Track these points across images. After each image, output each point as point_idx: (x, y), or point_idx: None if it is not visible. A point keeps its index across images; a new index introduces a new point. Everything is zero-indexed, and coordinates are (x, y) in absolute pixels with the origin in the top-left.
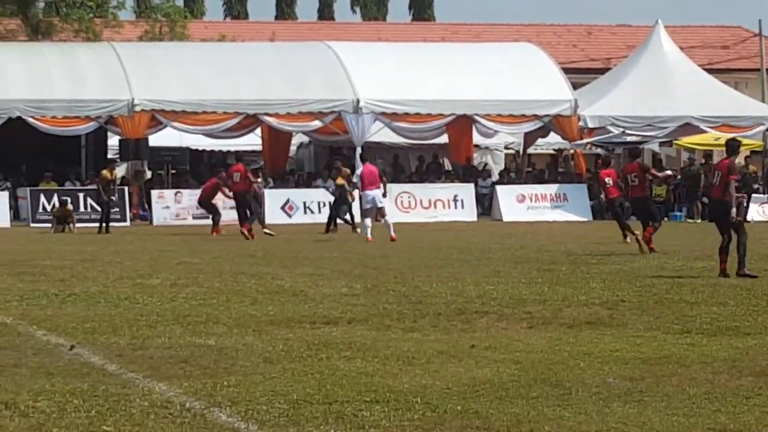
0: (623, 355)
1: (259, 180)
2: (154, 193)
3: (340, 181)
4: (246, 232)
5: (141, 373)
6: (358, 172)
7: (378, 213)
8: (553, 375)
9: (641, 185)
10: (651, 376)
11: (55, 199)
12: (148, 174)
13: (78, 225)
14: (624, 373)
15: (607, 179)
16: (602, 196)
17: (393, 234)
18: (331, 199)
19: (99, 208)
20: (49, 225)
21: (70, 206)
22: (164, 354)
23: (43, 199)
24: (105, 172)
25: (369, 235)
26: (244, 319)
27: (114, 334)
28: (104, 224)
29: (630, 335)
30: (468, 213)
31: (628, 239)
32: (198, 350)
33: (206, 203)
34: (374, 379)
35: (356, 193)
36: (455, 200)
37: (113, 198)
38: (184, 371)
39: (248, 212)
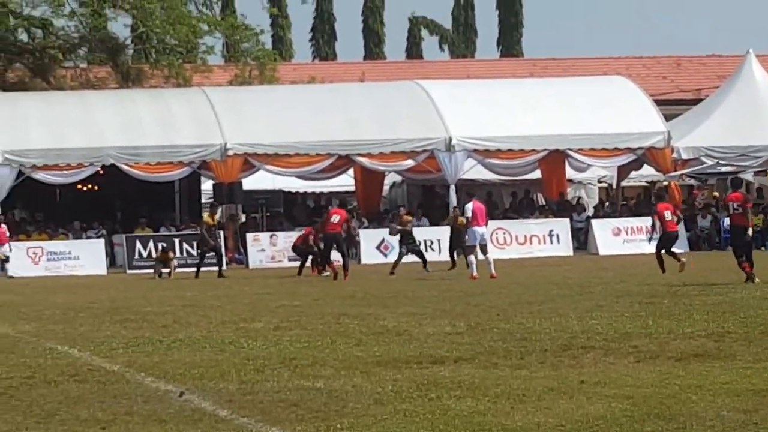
0: (734, 387)
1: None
2: (249, 236)
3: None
4: (331, 271)
5: (253, 418)
6: (469, 207)
7: (480, 250)
8: (665, 409)
9: (744, 214)
10: (765, 407)
11: (151, 245)
12: (243, 217)
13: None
14: (737, 405)
15: (666, 213)
16: (658, 228)
17: (494, 272)
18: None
19: (198, 253)
20: (146, 271)
21: (171, 253)
22: (274, 398)
23: (138, 245)
24: (206, 218)
25: (474, 272)
26: (350, 360)
27: (222, 379)
28: (220, 269)
29: (739, 367)
30: (564, 248)
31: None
32: (307, 393)
33: (300, 250)
34: (486, 418)
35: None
36: (551, 235)
37: (218, 242)
38: (296, 415)
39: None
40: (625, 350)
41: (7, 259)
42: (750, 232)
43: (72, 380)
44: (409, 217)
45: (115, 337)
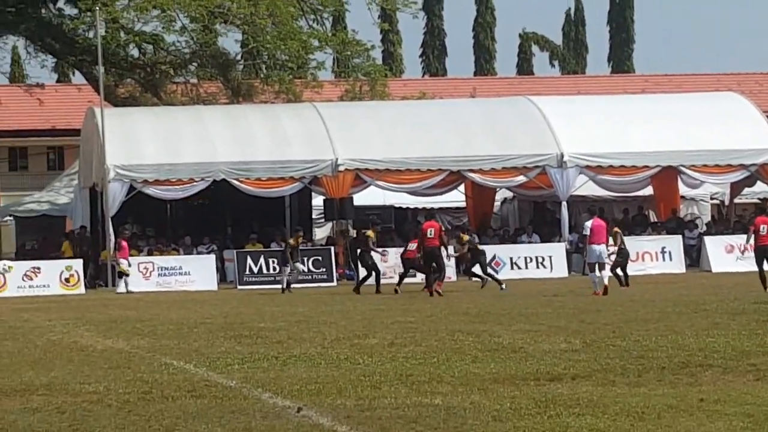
0: None
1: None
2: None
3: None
4: (438, 291)
5: None
6: (588, 224)
7: (599, 267)
8: None
9: None
10: None
11: (262, 260)
12: (353, 233)
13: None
14: None
15: (762, 226)
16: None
17: (598, 290)
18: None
19: (280, 269)
20: (257, 287)
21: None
22: (392, 414)
23: (249, 260)
24: (291, 241)
25: (597, 289)
26: (467, 377)
27: (339, 396)
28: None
29: None
30: (676, 265)
31: None
32: (426, 410)
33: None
34: None
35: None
36: (663, 252)
37: (297, 263)
38: (415, 431)
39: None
40: (743, 368)
41: (127, 274)
42: None
43: (189, 396)
44: (466, 236)
45: (230, 352)
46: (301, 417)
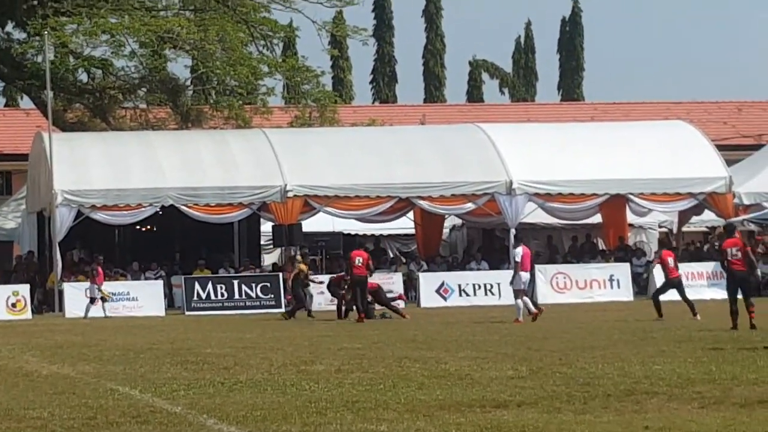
0: None
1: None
2: None
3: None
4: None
5: None
6: (519, 252)
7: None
8: None
9: (743, 260)
10: None
11: (210, 286)
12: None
13: (231, 312)
14: None
15: (669, 259)
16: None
17: (521, 318)
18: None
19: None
20: (205, 313)
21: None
22: None
23: (197, 286)
24: (302, 266)
25: (521, 317)
26: (413, 404)
27: (285, 422)
28: (291, 312)
29: None
30: (624, 292)
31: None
32: None
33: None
34: None
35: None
36: (611, 280)
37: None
38: None
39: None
40: (688, 396)
41: (106, 300)
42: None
43: (134, 422)
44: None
45: (176, 378)
46: None
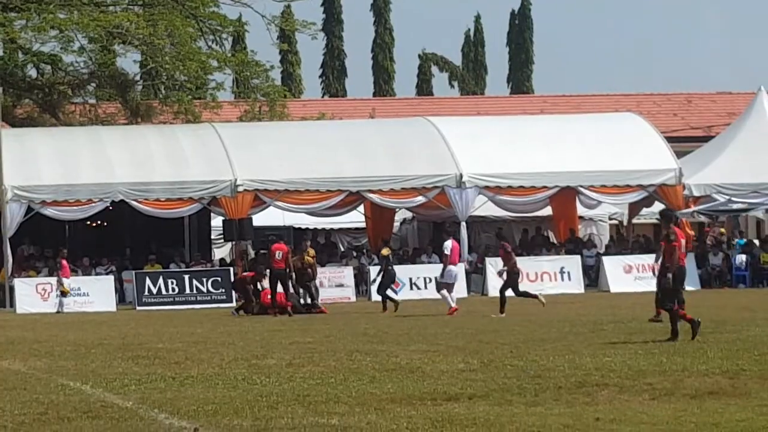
0: (750, 425)
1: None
2: None
3: (385, 252)
4: (288, 309)
5: None
6: (448, 245)
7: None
8: None
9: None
10: None
11: (161, 281)
12: (252, 254)
13: (182, 307)
14: None
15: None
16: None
17: (455, 306)
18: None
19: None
20: (156, 308)
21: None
22: None
23: (148, 281)
24: (308, 258)
25: (454, 304)
26: (364, 397)
27: (236, 416)
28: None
29: (755, 405)
30: (575, 285)
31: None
32: (322, 430)
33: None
34: None
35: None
36: (562, 272)
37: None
38: None
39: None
40: (639, 388)
41: (65, 294)
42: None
43: (85, 417)
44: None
45: (128, 373)
46: None
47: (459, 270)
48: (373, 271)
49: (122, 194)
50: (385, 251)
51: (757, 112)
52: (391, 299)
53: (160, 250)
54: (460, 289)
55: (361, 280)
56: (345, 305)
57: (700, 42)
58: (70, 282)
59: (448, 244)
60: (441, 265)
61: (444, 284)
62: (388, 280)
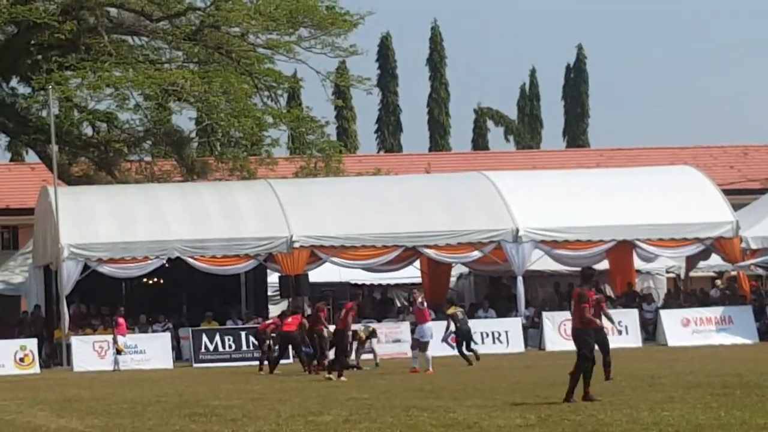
0: None
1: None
2: None
3: (451, 311)
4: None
5: None
6: (422, 302)
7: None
8: None
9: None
10: None
11: (218, 338)
12: (308, 310)
13: (239, 363)
14: None
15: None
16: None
17: (431, 369)
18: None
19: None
20: (213, 365)
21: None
22: None
23: (205, 338)
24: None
25: (431, 368)
26: None
27: None
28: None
29: None
30: (633, 339)
31: None
32: None
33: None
34: None
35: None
36: (619, 326)
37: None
38: None
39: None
40: None
41: (120, 352)
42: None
43: None
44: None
45: (184, 431)
46: None
47: (431, 328)
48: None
49: (178, 251)
50: (451, 310)
51: None
52: (464, 356)
53: (216, 307)
54: (517, 344)
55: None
56: (402, 361)
57: (756, 94)
58: (127, 340)
59: (421, 302)
60: (496, 320)
61: (422, 344)
62: (464, 338)
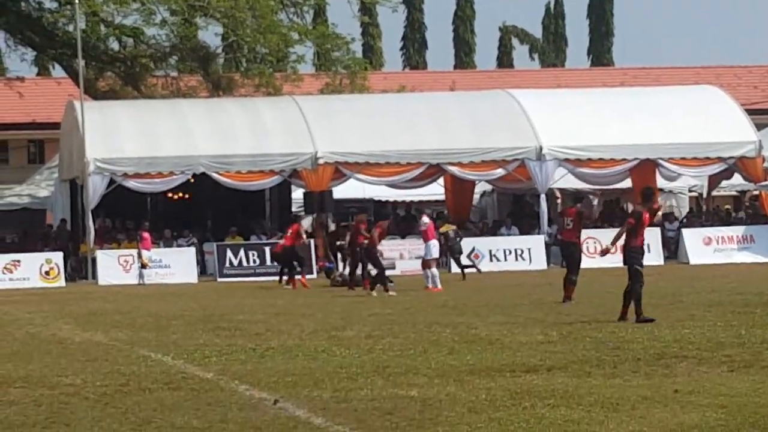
0: None
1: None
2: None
3: (444, 228)
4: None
5: (347, 426)
6: (426, 221)
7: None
8: (761, 419)
9: (574, 230)
10: None
11: (242, 253)
12: (333, 226)
13: (263, 278)
14: None
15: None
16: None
17: (435, 286)
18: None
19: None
20: (238, 279)
21: None
22: (368, 406)
23: (229, 253)
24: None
25: (431, 284)
26: (443, 369)
27: (316, 387)
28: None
29: None
30: (655, 257)
31: None
32: (401, 402)
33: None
34: (581, 427)
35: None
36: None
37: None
38: (390, 423)
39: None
40: (718, 359)
41: (145, 267)
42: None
43: (166, 388)
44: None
45: (208, 345)
46: (277, 409)
47: (436, 245)
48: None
49: (204, 167)
50: (444, 228)
51: None
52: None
53: (241, 222)
54: (540, 261)
55: (441, 252)
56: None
57: None
58: (151, 254)
59: (426, 220)
60: (519, 237)
61: (427, 261)
62: (452, 255)
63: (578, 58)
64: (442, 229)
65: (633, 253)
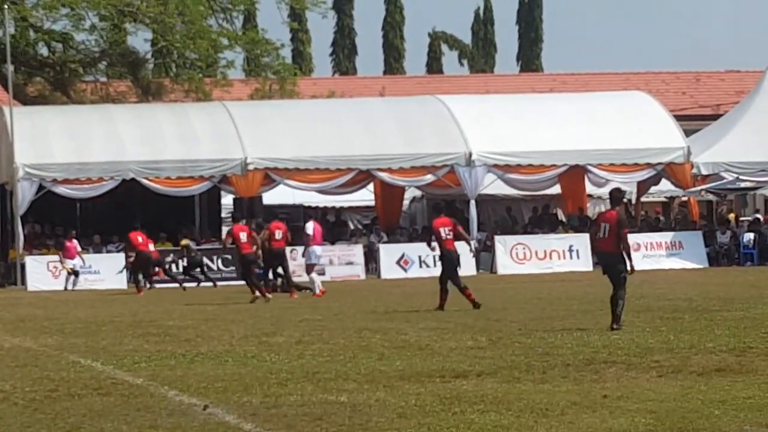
0: (757, 402)
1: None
2: None
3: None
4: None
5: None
6: (310, 226)
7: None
8: (688, 424)
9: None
10: None
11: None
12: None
13: (193, 284)
14: (760, 420)
15: (241, 234)
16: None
17: (318, 292)
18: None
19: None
20: (166, 285)
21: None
22: (298, 412)
23: None
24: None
25: (318, 290)
26: (373, 374)
27: (246, 393)
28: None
29: (761, 382)
30: (583, 263)
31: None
32: (331, 407)
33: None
34: None
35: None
36: (570, 250)
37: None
38: (320, 428)
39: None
40: (647, 365)
41: (76, 273)
42: None
43: (95, 393)
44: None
45: (138, 350)
46: (207, 414)
47: (321, 251)
48: (383, 248)
49: (133, 172)
50: (184, 242)
51: (765, 91)
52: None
53: (171, 228)
54: (469, 267)
55: (370, 258)
56: (354, 283)
57: (708, 20)
58: (76, 262)
59: (310, 225)
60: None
61: (309, 266)
62: (191, 269)
63: (507, 63)
64: (183, 243)
65: (615, 258)
